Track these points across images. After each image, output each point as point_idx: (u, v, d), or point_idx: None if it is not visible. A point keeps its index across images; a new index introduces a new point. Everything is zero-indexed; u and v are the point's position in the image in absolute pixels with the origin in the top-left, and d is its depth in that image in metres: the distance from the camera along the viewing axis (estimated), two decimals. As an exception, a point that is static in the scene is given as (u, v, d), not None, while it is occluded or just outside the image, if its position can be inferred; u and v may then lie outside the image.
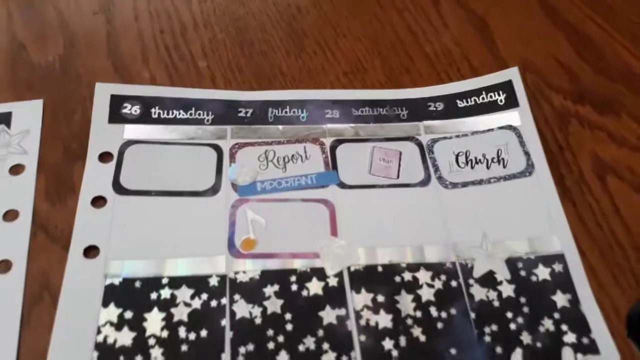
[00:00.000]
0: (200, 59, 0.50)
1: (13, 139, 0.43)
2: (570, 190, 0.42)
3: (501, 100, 0.46)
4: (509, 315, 0.36)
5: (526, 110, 0.45)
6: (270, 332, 0.35)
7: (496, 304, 0.37)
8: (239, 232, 0.39)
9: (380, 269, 0.38)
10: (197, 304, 0.36)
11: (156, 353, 0.34)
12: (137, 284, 0.37)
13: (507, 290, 0.37)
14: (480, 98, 0.46)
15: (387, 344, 0.35)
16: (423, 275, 0.38)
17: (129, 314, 0.36)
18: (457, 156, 0.43)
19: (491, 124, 0.45)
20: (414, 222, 0.40)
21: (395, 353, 0.35)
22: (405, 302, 0.37)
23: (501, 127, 0.45)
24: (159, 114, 0.45)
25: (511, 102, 0.46)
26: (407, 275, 0.38)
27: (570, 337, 0.35)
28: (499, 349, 0.35)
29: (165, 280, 0.37)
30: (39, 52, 0.50)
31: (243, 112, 0.46)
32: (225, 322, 0.36)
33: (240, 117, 0.45)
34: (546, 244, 0.39)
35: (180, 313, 0.36)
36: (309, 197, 0.41)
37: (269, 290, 0.37)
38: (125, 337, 0.35)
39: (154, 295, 0.36)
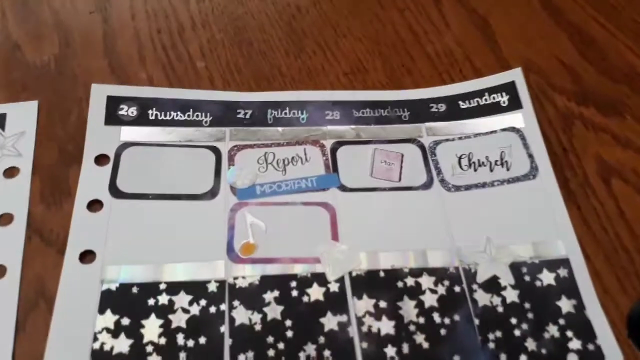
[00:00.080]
0: (198, 59, 0.49)
1: (7, 141, 0.42)
2: (575, 193, 0.41)
3: (504, 102, 0.45)
4: (514, 321, 0.36)
5: (530, 111, 0.45)
6: (270, 339, 0.35)
7: (500, 309, 0.36)
8: (238, 237, 0.39)
9: (382, 274, 0.37)
10: (195, 310, 0.36)
11: (154, 361, 0.34)
12: (134, 290, 0.36)
13: (512, 295, 0.37)
14: (483, 99, 0.46)
15: (390, 351, 0.34)
16: (426, 281, 0.37)
17: (126, 321, 0.35)
18: (459, 159, 0.43)
19: (494, 125, 0.44)
20: (417, 226, 0.40)
21: (397, 360, 0.34)
22: (408, 308, 0.36)
23: (504, 129, 0.44)
24: (156, 115, 0.44)
25: (514, 104, 0.45)
26: (410, 281, 0.37)
27: (575, 344, 0.35)
28: (503, 356, 0.34)
29: (163, 286, 0.36)
30: (34, 52, 0.49)
31: (242, 113, 0.45)
32: (224, 328, 0.35)
33: (239, 119, 0.45)
34: (551, 248, 0.38)
35: (179, 319, 0.35)
36: (309, 200, 0.41)
37: (269, 296, 0.36)
38: (122, 344, 0.34)
39: (151, 301, 0.36)
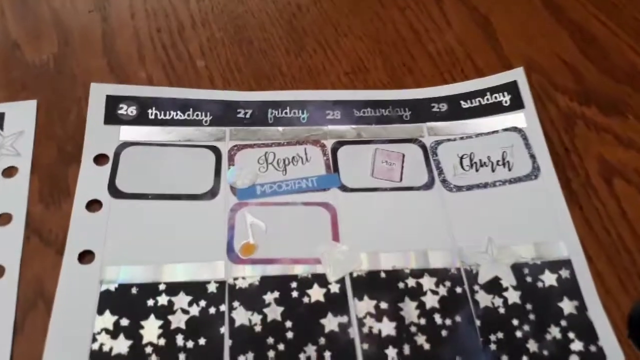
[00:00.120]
0: (198, 58, 0.49)
1: (6, 141, 0.42)
2: (577, 193, 0.41)
3: (506, 102, 0.45)
4: (515, 322, 0.35)
5: (532, 111, 0.44)
6: (270, 340, 0.34)
7: (502, 311, 0.36)
8: (238, 237, 0.38)
9: (383, 275, 0.37)
10: (195, 310, 0.35)
11: (153, 362, 0.33)
12: (134, 290, 0.36)
13: (513, 296, 0.36)
14: (485, 99, 0.45)
15: (391, 352, 0.34)
16: (427, 282, 0.37)
17: (125, 321, 0.35)
18: (461, 159, 0.42)
19: (496, 125, 0.44)
20: (418, 227, 0.39)
21: (398, 362, 0.34)
22: (409, 309, 0.36)
23: (506, 129, 0.44)
24: (156, 114, 0.44)
25: (516, 104, 0.45)
26: (411, 282, 0.37)
27: (577, 345, 0.35)
28: (504, 358, 0.34)
29: (162, 287, 0.36)
30: (33, 51, 0.49)
31: (242, 112, 0.45)
32: (224, 329, 0.35)
33: (240, 118, 0.44)
34: (552, 249, 0.38)
35: (178, 320, 0.35)
36: (309, 200, 0.40)
37: (269, 296, 0.36)
38: (121, 345, 0.34)
39: (150, 302, 0.35)
